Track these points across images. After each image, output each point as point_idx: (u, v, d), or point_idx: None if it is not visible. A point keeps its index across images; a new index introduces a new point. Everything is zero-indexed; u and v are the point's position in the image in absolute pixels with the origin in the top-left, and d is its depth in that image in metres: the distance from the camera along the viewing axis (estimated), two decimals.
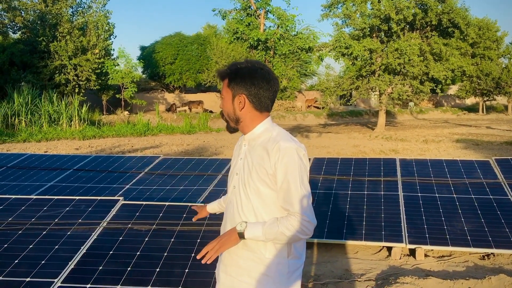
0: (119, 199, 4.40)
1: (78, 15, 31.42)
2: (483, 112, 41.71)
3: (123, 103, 32.30)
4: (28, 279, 3.33)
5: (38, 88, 25.81)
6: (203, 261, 1.99)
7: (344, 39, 24.87)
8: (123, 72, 30.70)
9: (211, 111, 34.20)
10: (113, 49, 32.69)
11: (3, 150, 15.20)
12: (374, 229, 5.05)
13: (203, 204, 2.67)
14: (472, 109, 44.03)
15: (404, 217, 5.19)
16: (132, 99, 31.85)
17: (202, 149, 15.39)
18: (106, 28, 31.09)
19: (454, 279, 4.20)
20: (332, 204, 5.61)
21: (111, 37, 32.12)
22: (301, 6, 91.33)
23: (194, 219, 2.67)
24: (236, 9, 36.89)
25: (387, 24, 24.54)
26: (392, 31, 24.42)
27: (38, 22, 29.45)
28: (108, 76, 30.53)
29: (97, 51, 29.87)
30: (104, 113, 31.83)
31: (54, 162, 7.27)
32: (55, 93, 24.98)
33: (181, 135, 22.24)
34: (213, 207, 2.57)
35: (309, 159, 6.91)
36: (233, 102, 2.07)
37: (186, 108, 35.68)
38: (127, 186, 6.26)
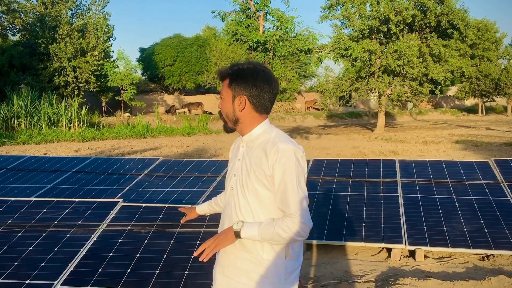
0: (119, 201, 4.40)
1: (77, 17, 31.45)
2: (482, 113, 41.74)
3: (122, 105, 32.31)
4: (27, 281, 3.33)
5: (37, 90, 25.81)
6: (200, 259, 2.00)
7: (343, 40, 24.89)
8: (123, 74, 30.72)
9: (210, 113, 34.20)
10: (113, 51, 32.76)
11: (3, 152, 15.19)
12: (373, 230, 5.05)
13: (191, 206, 2.67)
14: (472, 110, 44.06)
15: (404, 218, 5.19)
16: (131, 101, 31.85)
17: (202, 150, 15.39)
18: (106, 30, 31.11)
19: (454, 280, 4.20)
20: (331, 205, 5.61)
21: (111, 39, 32.14)
22: (300, 8, 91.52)
23: (182, 221, 2.67)
24: (236, 11, 36.89)
25: (386, 26, 24.56)
26: (391, 32, 24.43)
27: (38, 24, 29.47)
28: (108, 78, 30.53)
29: (96, 53, 29.88)
30: (104, 115, 31.83)
31: (53, 164, 7.27)
32: (54, 95, 24.98)
33: (180, 136, 22.24)
34: (203, 209, 2.57)
35: (309, 160, 6.91)
36: (233, 103, 2.07)
37: (186, 109, 35.69)
38: (127, 188, 6.25)
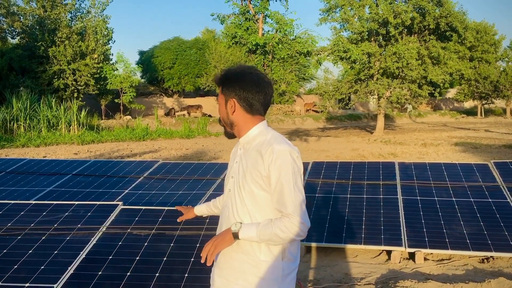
0: (118, 204, 4.39)
1: (76, 20, 31.48)
2: (481, 115, 41.80)
3: (121, 107, 32.31)
4: (27, 284, 3.33)
5: (36, 93, 25.83)
6: (204, 262, 2.03)
7: (342, 43, 24.93)
8: (122, 76, 30.73)
9: (210, 115, 34.22)
10: (112, 54, 32.84)
11: (2, 155, 15.18)
12: (373, 233, 5.05)
13: (189, 206, 2.69)
14: (471, 112, 44.11)
15: (404, 220, 5.19)
16: (131, 103, 31.86)
17: (201, 153, 15.40)
18: (105, 33, 31.13)
19: (453, 282, 4.20)
20: (331, 208, 5.60)
21: (110, 42, 32.18)
22: (300, 11, 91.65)
23: (179, 220, 2.67)
24: (235, 14, 36.98)
25: (385, 28, 24.60)
26: (390, 35, 24.47)
27: (37, 27, 29.50)
28: (107, 81, 30.54)
29: (95, 56, 29.90)
30: (103, 117, 31.83)
31: (53, 167, 7.26)
32: (53, 98, 25.00)
33: (180, 139, 22.24)
34: (201, 209, 2.57)
35: (308, 163, 6.91)
36: (226, 107, 2.12)
37: (185, 112, 35.70)
38: (126, 191, 6.25)
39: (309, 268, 4.78)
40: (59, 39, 28.67)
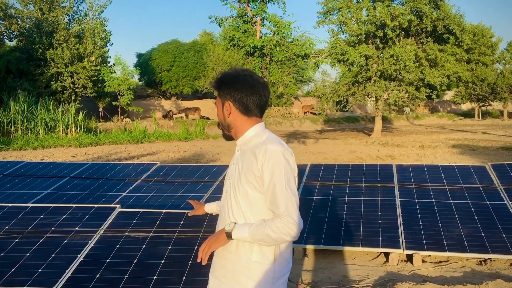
0: (116, 207, 4.39)
1: (74, 23, 31.47)
2: (479, 117, 41.90)
3: (119, 110, 32.29)
4: (25, 287, 3.32)
5: (34, 96, 25.81)
6: (199, 261, 2.06)
7: (340, 45, 24.98)
8: (120, 79, 30.71)
9: (207, 118, 34.22)
10: (110, 57, 32.83)
11: None
12: (371, 235, 5.05)
13: (201, 202, 2.73)
14: (468, 114, 44.22)
15: (401, 222, 5.20)
16: (128, 106, 31.84)
17: (199, 156, 15.39)
18: (103, 35, 31.13)
19: (451, 284, 4.20)
20: (329, 210, 5.61)
21: (108, 44, 32.17)
22: (297, 13, 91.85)
23: (189, 214, 2.72)
24: (232, 16, 36.99)
25: (382, 31, 24.67)
26: (388, 37, 24.54)
27: (35, 29, 29.48)
28: (105, 84, 30.53)
29: (93, 58, 29.89)
30: (101, 120, 31.80)
31: (50, 170, 7.25)
32: (51, 101, 24.97)
33: (177, 142, 22.23)
34: (211, 207, 2.62)
35: (306, 165, 6.92)
36: (222, 110, 2.14)
37: (183, 115, 35.69)
38: (124, 194, 6.24)
39: (307, 270, 4.78)
40: (57, 42, 28.65)
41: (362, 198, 5.82)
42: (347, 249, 5.01)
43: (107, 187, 6.50)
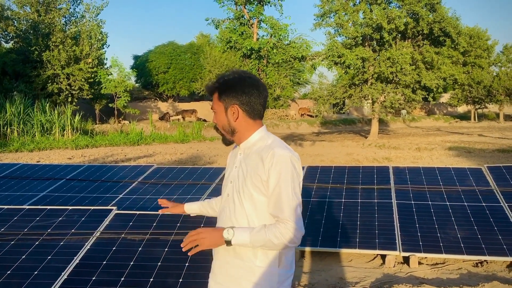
0: (113, 209, 4.38)
1: (71, 25, 31.41)
2: (475, 120, 42.04)
3: (116, 112, 32.23)
4: None
5: (30, 98, 25.73)
6: (182, 246, 1.99)
7: (336, 48, 25.03)
8: (116, 81, 30.67)
9: (204, 120, 34.20)
10: (106, 58, 32.80)
11: None
12: (368, 237, 5.06)
13: (177, 203, 2.59)
14: (464, 117, 44.36)
15: (398, 225, 5.21)
16: (125, 108, 31.79)
17: (196, 158, 15.38)
18: (99, 37, 31.07)
19: (448, 286, 4.21)
20: (326, 212, 5.61)
21: (104, 46, 32.11)
22: (294, 16, 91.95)
23: (160, 211, 2.62)
24: (229, 19, 37.05)
25: (379, 33, 24.74)
26: (384, 40, 24.61)
27: (31, 31, 29.41)
28: (101, 85, 30.47)
29: (90, 60, 29.83)
30: (97, 122, 31.74)
31: (46, 172, 7.23)
32: (47, 103, 24.91)
33: (174, 144, 22.21)
34: (192, 207, 2.51)
35: (303, 167, 6.92)
36: (226, 114, 2.08)
37: (180, 117, 35.67)
38: (121, 196, 6.23)
39: (304, 272, 4.78)
40: (53, 44, 28.60)
41: (359, 200, 5.83)
42: (344, 251, 5.02)
43: (103, 189, 6.49)
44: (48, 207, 4.48)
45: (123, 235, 3.95)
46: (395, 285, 4.26)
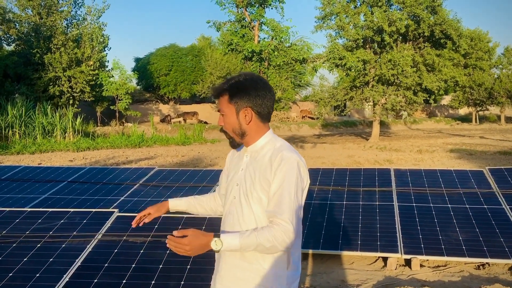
0: (114, 211, 4.38)
1: (72, 27, 31.48)
2: (476, 122, 42.00)
3: (117, 114, 32.26)
4: None
5: (32, 100, 25.78)
6: (168, 240, 1.87)
7: (337, 50, 25.05)
8: (118, 83, 30.70)
9: (205, 122, 34.21)
10: (108, 61, 32.73)
11: None
12: (369, 239, 5.05)
13: (158, 204, 2.40)
14: (465, 119, 44.33)
15: (399, 227, 5.20)
16: (126, 110, 31.82)
17: (197, 160, 15.38)
18: (101, 40, 31.13)
19: None
20: (327, 214, 5.61)
21: (106, 48, 32.17)
22: (295, 18, 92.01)
23: (133, 224, 2.36)
24: (231, 21, 37.11)
25: (380, 36, 24.76)
26: (385, 42, 24.63)
27: (33, 34, 29.47)
28: (103, 88, 30.50)
29: (91, 62, 29.88)
30: (98, 124, 31.77)
31: (48, 174, 7.24)
32: (49, 105, 24.95)
33: (176, 146, 22.22)
34: (178, 204, 2.38)
35: None
36: (238, 117, 2.05)
37: (181, 119, 35.69)
38: (122, 198, 6.23)
39: (306, 275, 4.77)
40: (55, 46, 28.65)
41: (360, 203, 5.82)
42: (345, 253, 5.01)
43: (105, 192, 6.49)
44: (50, 210, 4.48)
45: (124, 238, 3.96)
46: (397, 287, 4.26)
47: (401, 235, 5.05)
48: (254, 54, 35.33)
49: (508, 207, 5.44)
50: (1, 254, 3.75)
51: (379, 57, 25.16)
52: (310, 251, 5.07)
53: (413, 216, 5.41)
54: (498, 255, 4.66)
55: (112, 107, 31.89)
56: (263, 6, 35.85)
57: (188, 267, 3.51)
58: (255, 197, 1.99)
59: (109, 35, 32.17)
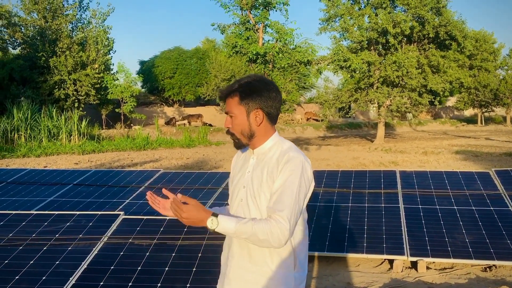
0: (120, 214, 4.39)
1: (77, 31, 31.61)
2: (481, 123, 41.83)
3: (122, 117, 32.36)
4: None
5: (37, 103, 25.90)
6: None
7: (342, 52, 25.02)
8: (123, 86, 30.80)
9: (210, 125, 34.25)
10: (113, 64, 32.84)
11: (3, 165, 15.18)
12: (375, 241, 5.03)
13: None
14: (471, 120, 44.15)
15: (405, 229, 5.18)
16: (131, 113, 31.92)
17: (202, 162, 15.39)
18: (106, 43, 31.25)
19: None
20: (332, 217, 5.59)
21: (111, 52, 32.27)
22: (300, 20, 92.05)
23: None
24: (235, 24, 37.14)
25: (384, 37, 24.71)
26: (390, 44, 24.58)
27: (38, 37, 29.62)
28: (108, 91, 30.61)
29: (96, 66, 30.00)
30: (104, 127, 31.87)
31: (54, 177, 7.27)
32: (54, 108, 25.04)
33: (180, 148, 22.24)
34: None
35: None
36: (248, 118, 2.05)
37: (186, 121, 35.75)
38: (127, 201, 6.25)
39: (311, 277, 4.76)
40: (60, 50, 28.78)
41: (366, 205, 5.80)
42: (351, 256, 5.00)
43: (110, 194, 6.51)
44: (56, 212, 4.50)
45: (130, 240, 3.96)
46: None
47: (407, 237, 5.03)
48: (259, 56, 35.33)
49: None
50: (8, 257, 3.77)
51: (384, 59, 25.11)
52: (316, 254, 5.06)
53: (419, 218, 5.39)
54: (505, 257, 4.63)
55: (117, 110, 31.99)
56: (267, 8, 35.86)
57: (194, 269, 3.51)
58: (263, 198, 1.99)
59: (114, 38, 32.29)
